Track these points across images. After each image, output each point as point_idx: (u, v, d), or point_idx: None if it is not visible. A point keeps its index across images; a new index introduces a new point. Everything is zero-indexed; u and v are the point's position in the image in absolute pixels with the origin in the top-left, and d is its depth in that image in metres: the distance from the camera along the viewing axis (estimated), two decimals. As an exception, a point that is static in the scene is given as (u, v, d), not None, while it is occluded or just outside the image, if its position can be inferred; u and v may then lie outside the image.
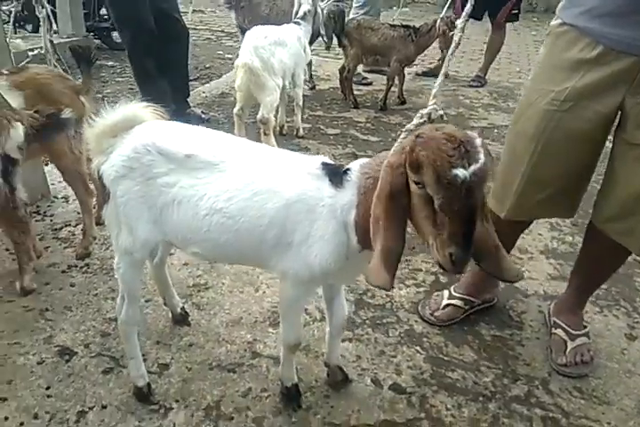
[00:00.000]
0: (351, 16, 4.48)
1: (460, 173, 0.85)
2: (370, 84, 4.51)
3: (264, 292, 1.90)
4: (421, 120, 1.09)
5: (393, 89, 3.93)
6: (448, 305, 1.82)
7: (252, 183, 1.15)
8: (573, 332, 1.69)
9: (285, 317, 1.33)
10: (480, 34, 6.29)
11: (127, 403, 1.43)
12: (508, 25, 4.43)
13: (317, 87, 4.41)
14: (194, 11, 7.44)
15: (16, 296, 1.82)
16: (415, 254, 2.18)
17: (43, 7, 2.33)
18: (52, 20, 2.39)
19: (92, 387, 1.48)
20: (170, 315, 1.75)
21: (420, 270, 2.10)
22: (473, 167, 0.85)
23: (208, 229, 1.18)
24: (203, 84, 4.91)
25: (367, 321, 1.79)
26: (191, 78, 5.13)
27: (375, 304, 1.88)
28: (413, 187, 0.91)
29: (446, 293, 1.87)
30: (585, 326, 1.73)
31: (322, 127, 3.55)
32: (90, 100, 2.05)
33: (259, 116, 2.88)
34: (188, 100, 3.57)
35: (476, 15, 4.00)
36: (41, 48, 2.48)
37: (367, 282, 1.04)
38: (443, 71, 1.17)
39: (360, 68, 4.35)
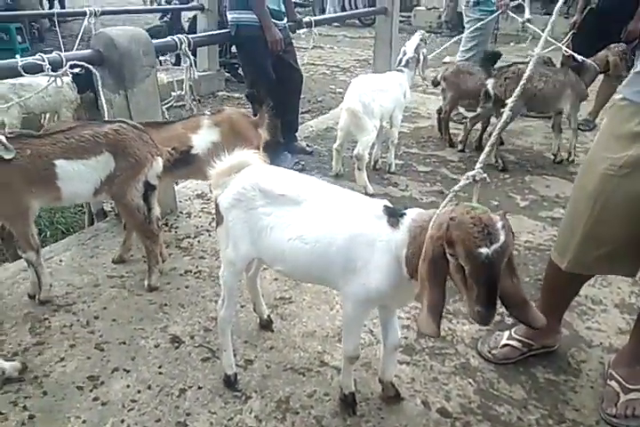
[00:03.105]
0: (457, 59, 4.70)
1: (484, 250, 1.11)
2: (469, 123, 4.65)
3: (337, 311, 2.17)
4: (467, 181, 1.32)
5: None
6: (506, 345, 1.94)
7: (326, 218, 1.47)
8: (628, 385, 1.73)
9: (346, 331, 1.61)
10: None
11: (217, 387, 1.77)
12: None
13: (417, 124, 4.66)
14: (314, 46, 8.14)
15: (144, 291, 2.28)
16: (483, 293, 2.32)
17: (188, 57, 2.89)
18: (195, 70, 2.94)
19: (193, 371, 1.85)
20: (258, 320, 2.09)
21: (486, 309, 2.23)
22: (494, 246, 1.11)
23: (290, 252, 1.51)
24: (313, 117, 5.40)
25: (426, 349, 1.98)
26: (303, 111, 5.68)
27: (436, 335, 2.06)
28: (449, 257, 1.18)
29: (507, 333, 1.99)
30: (641, 382, 1.76)
31: (414, 164, 3.79)
32: (264, 131, 2.61)
33: (355, 153, 3.21)
34: (297, 133, 4.01)
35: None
36: (181, 89, 3.08)
37: (420, 330, 1.30)
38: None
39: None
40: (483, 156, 1.37)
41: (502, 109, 3.49)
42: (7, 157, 1.81)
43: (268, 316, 2.08)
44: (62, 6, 10.49)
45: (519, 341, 1.94)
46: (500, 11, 4.13)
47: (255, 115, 2.67)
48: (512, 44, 8.97)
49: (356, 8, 11.26)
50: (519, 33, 9.35)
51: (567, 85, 3.59)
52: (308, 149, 3.85)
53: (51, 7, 10.09)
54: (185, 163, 2.17)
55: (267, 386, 1.78)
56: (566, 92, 3.61)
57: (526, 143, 4.27)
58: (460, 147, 3.99)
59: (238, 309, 2.15)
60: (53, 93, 4.06)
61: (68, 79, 3.60)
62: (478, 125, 3.99)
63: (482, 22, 4.19)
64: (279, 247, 1.52)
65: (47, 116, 4.31)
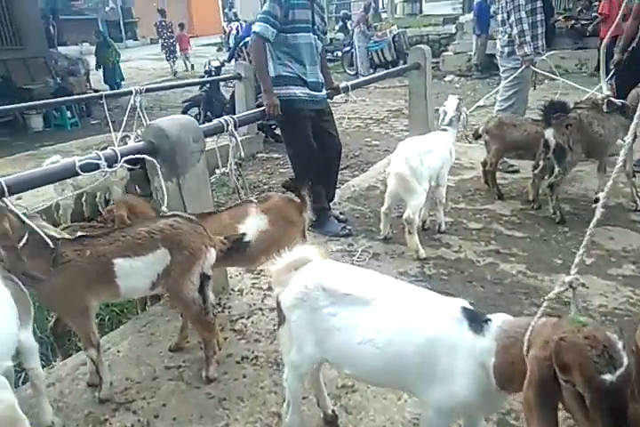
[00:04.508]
0: (496, 108, 4.65)
1: (608, 377, 0.97)
2: (516, 171, 4.53)
3: (405, 401, 2.02)
4: (562, 289, 1.20)
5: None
6: None
7: (398, 319, 1.37)
8: None
9: None
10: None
11: None
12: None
13: (461, 176, 4.57)
14: (346, 100, 8.34)
15: (202, 383, 2.20)
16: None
17: (235, 137, 2.95)
18: (241, 148, 2.99)
19: (260, 481, 1.73)
20: (322, 415, 1.96)
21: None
22: (619, 371, 0.98)
23: (360, 356, 1.41)
24: (352, 173, 5.41)
25: (510, 446, 1.80)
26: (341, 167, 5.71)
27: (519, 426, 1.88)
28: (562, 382, 1.04)
29: None
30: None
31: (464, 221, 3.66)
32: (308, 215, 2.63)
33: (404, 217, 3.13)
34: (334, 200, 3.97)
35: None
36: (225, 167, 3.13)
37: None
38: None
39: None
40: (577, 259, 1.23)
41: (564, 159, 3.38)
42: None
43: (333, 411, 1.95)
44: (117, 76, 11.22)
45: None
46: (524, 66, 4.15)
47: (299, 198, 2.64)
48: (546, 81, 8.88)
49: (385, 59, 11.56)
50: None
51: (620, 128, 3.46)
52: (341, 217, 3.78)
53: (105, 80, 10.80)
54: (236, 251, 2.14)
55: None
56: (620, 135, 3.48)
57: (580, 190, 4.09)
58: (535, 206, 3.76)
59: (299, 401, 2.03)
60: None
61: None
62: (524, 174, 3.87)
63: (513, 75, 4.20)
64: (347, 350, 1.44)
65: (98, 194, 4.50)
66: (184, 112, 6.91)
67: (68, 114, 9.24)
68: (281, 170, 5.73)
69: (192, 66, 15.35)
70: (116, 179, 4.34)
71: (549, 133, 3.40)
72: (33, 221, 1.85)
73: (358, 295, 1.44)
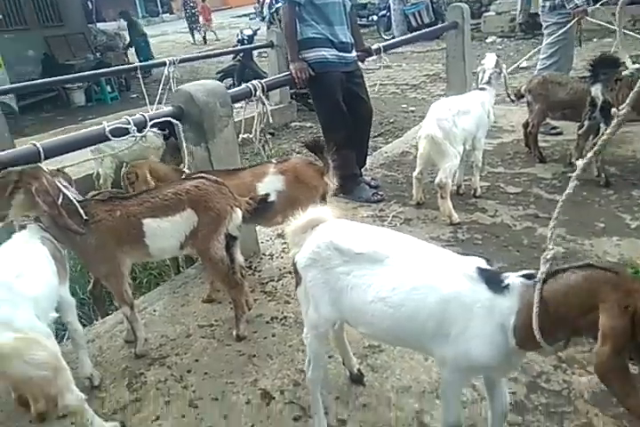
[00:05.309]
0: (538, 67, 4.39)
1: None
2: (560, 133, 4.30)
3: (432, 361, 2.00)
4: (547, 266, 1.19)
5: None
6: None
7: (411, 278, 1.35)
8: None
9: (444, 398, 1.46)
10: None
11: (311, 452, 1.69)
12: None
13: (500, 140, 4.38)
14: (381, 67, 8.09)
15: (233, 341, 2.27)
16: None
17: (263, 103, 2.92)
18: (269, 113, 2.96)
19: (285, 432, 1.78)
20: (348, 373, 1.98)
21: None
22: None
23: (373, 315, 1.40)
24: (386, 140, 5.30)
25: (539, 407, 1.76)
26: (376, 134, 5.60)
27: (550, 390, 1.83)
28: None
29: None
30: None
31: (501, 185, 3.53)
32: (330, 179, 2.56)
33: (436, 181, 3.05)
34: (366, 166, 3.89)
35: None
36: (250, 133, 3.12)
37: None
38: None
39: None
40: (549, 233, 1.19)
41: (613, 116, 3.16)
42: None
43: (359, 370, 1.96)
44: (145, 55, 11.34)
45: None
46: (577, 18, 3.85)
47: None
48: (595, 39, 8.30)
49: (422, 22, 11.09)
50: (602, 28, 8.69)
51: None
52: (373, 183, 3.71)
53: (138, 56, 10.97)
54: (262, 211, 2.15)
55: (364, 451, 1.67)
56: None
57: (628, 152, 3.85)
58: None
59: (326, 360, 2.06)
60: (142, 142, 4.32)
61: (154, 128, 3.83)
62: (568, 136, 3.66)
63: (561, 31, 3.91)
64: (360, 309, 1.42)
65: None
66: (218, 83, 6.91)
67: (108, 88, 9.47)
68: (308, 158, 5.67)
69: (216, 37, 15.41)
70: (153, 149, 4.42)
71: (597, 89, 3.18)
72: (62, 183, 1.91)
73: (371, 254, 1.41)
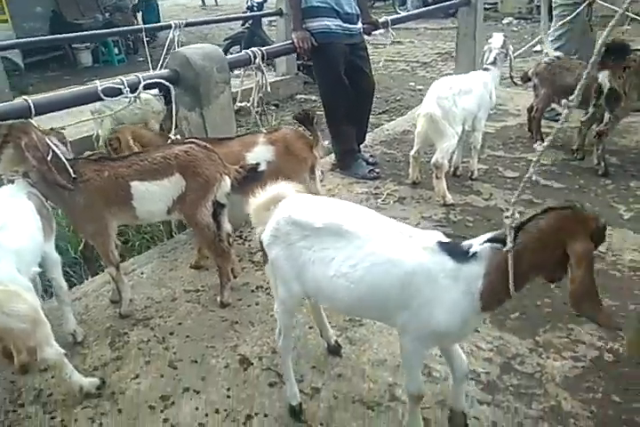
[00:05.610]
0: (545, 51, 4.28)
1: None
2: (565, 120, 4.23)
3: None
4: (512, 232, 1.24)
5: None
6: None
7: (371, 254, 1.35)
8: None
9: (407, 368, 1.50)
10: None
11: (283, 417, 1.73)
12: None
13: (504, 123, 4.33)
14: (392, 42, 7.91)
15: (217, 307, 2.30)
16: (580, 323, 2.07)
17: (261, 71, 2.87)
18: (267, 83, 2.92)
19: (260, 396, 1.82)
20: (326, 345, 2.02)
21: (583, 343, 1.98)
22: None
23: (334, 290, 1.41)
24: (391, 118, 5.23)
25: (510, 388, 1.79)
26: (380, 111, 5.53)
27: (523, 372, 1.86)
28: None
29: None
30: None
31: (500, 169, 3.50)
32: (319, 151, 2.55)
33: (433, 160, 3.02)
34: (365, 142, 3.85)
35: None
36: (247, 101, 3.08)
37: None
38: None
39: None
40: (514, 198, 1.24)
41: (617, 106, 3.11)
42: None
43: (336, 341, 1.99)
44: (153, 17, 11.09)
45: None
46: (587, 1, 3.70)
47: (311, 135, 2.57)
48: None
49: (439, -2, 10.77)
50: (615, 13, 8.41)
51: None
52: (371, 159, 3.68)
53: (144, 19, 10.74)
54: (251, 181, 2.14)
55: (333, 419, 1.71)
56: None
57: (631, 143, 3.80)
58: (578, 156, 3.56)
59: (307, 330, 2.09)
60: (142, 105, 4.27)
61: (155, 91, 3.78)
62: (572, 123, 3.60)
63: (573, 14, 3.77)
64: (322, 284, 1.43)
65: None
66: (226, 50, 6.79)
67: (116, 50, 9.32)
68: (318, 112, 5.57)
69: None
70: (154, 113, 4.39)
71: (604, 76, 3.11)
72: (52, 140, 1.90)
73: (331, 227, 1.40)
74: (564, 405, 1.71)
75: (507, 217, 1.23)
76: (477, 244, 1.30)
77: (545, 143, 1.23)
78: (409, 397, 1.52)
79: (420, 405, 1.55)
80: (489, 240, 1.29)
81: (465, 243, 1.33)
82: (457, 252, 1.30)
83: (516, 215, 1.24)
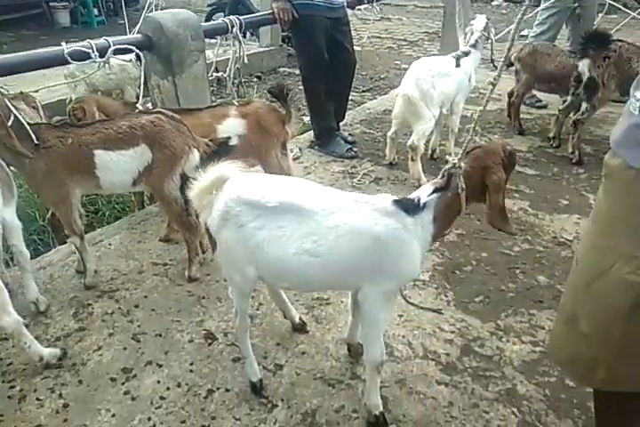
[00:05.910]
0: (530, 35, 4.27)
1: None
2: (544, 107, 4.26)
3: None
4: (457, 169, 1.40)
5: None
6: None
7: (334, 227, 1.35)
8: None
9: (372, 334, 1.51)
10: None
11: (244, 392, 1.74)
12: None
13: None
14: (381, 18, 7.75)
15: (184, 281, 2.29)
16: (541, 309, 2.12)
17: (238, 41, 2.78)
18: (244, 54, 2.83)
19: (222, 371, 1.83)
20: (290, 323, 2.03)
21: (542, 328, 2.03)
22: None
23: (298, 267, 1.39)
24: (374, 96, 5.16)
25: (469, 370, 1.83)
26: (364, 89, 5.46)
27: (482, 354, 1.90)
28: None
29: None
30: None
31: (477, 153, 3.51)
32: (291, 127, 2.50)
33: (409, 143, 3.01)
34: (344, 121, 3.81)
35: None
36: (224, 71, 2.98)
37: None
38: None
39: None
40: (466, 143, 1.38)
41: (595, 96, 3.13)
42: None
43: (301, 319, 2.01)
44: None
45: None
46: None
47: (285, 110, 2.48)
48: (599, 14, 8.04)
49: (431, -25, 10.55)
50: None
51: None
52: (350, 138, 3.64)
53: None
54: (221, 155, 2.09)
55: (294, 395, 1.73)
56: None
57: (607, 133, 3.83)
58: (554, 143, 3.59)
59: (273, 307, 2.10)
60: (118, 71, 4.13)
61: (132, 56, 3.64)
62: (552, 111, 3.62)
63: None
64: (282, 264, 1.40)
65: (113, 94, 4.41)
66: (208, 18, 6.56)
67: (95, 11, 8.92)
68: (301, 87, 5.49)
69: None
70: (131, 80, 4.25)
71: (584, 65, 3.11)
72: (16, 104, 1.82)
73: (286, 205, 1.37)
74: (520, 388, 1.77)
75: (453, 167, 1.40)
76: (425, 195, 1.42)
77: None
78: (371, 366, 1.53)
79: (380, 381, 1.59)
80: (435, 191, 1.42)
81: (412, 196, 1.44)
82: (410, 206, 1.40)
83: (455, 160, 1.40)
